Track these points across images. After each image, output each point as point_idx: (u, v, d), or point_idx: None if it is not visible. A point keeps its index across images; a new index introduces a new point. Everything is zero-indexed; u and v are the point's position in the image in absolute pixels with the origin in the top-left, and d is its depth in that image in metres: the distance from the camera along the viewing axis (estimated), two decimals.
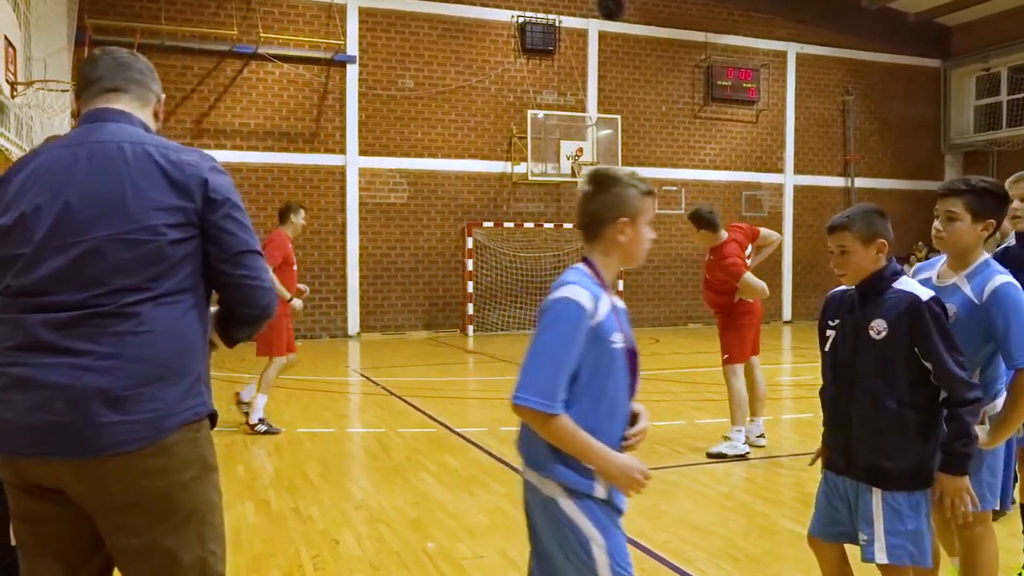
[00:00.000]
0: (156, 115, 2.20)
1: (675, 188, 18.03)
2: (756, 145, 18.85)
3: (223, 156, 14.66)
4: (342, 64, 15.44)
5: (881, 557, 2.53)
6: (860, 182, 19.33)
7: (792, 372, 11.68)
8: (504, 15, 16.58)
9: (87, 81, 2.12)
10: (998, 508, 3.03)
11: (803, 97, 19.23)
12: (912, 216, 17.90)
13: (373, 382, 9.98)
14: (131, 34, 13.67)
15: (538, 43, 16.69)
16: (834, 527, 2.72)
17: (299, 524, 4.54)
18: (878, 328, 2.56)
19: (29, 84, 9.60)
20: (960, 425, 2.51)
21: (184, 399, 1.94)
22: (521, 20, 16.61)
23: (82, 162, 1.95)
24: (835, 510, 2.71)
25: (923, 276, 2.97)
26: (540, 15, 16.76)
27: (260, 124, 15.07)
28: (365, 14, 15.65)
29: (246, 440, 6.65)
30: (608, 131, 16.82)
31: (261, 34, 14.60)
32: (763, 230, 7.00)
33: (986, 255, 2.84)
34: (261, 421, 6.90)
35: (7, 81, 8.59)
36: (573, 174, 16.34)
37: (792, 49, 18.99)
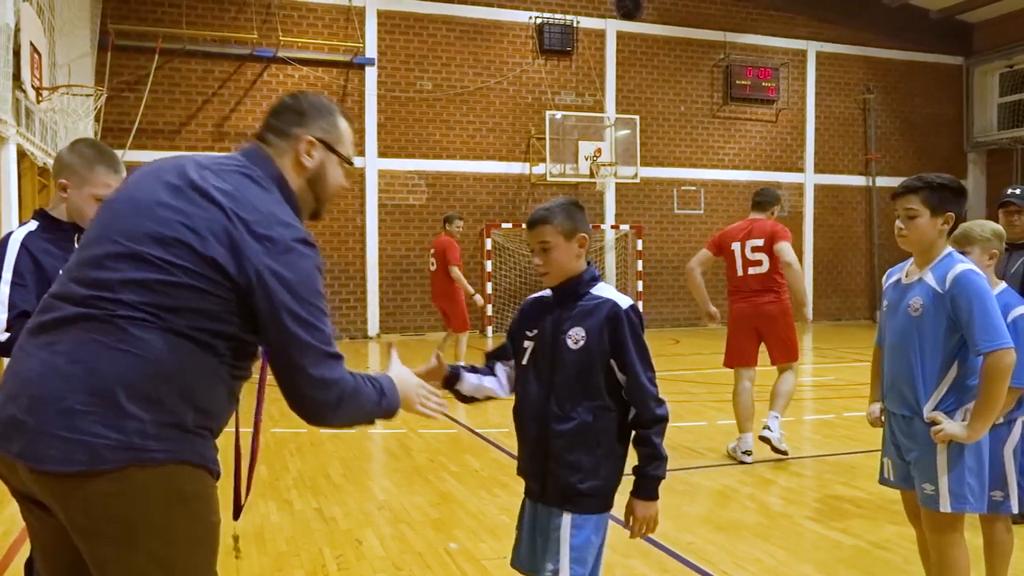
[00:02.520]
0: (299, 156, 2.00)
1: (694, 188, 17.96)
2: (776, 144, 18.74)
3: None
4: (361, 67, 15.51)
5: None
6: (881, 181, 19.17)
7: (813, 373, 11.59)
8: (522, 16, 16.59)
9: (261, 126, 2.06)
10: (986, 512, 3.00)
11: (823, 96, 19.10)
12: None
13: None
14: (153, 39, 13.81)
15: (556, 44, 16.69)
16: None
17: (322, 524, 4.56)
18: (576, 337, 2.41)
19: (54, 89, 9.72)
20: (651, 448, 2.40)
21: (144, 437, 1.69)
22: (539, 21, 16.62)
23: (189, 181, 1.84)
24: (530, 540, 2.51)
25: (893, 279, 3.01)
26: (558, 16, 16.75)
27: None
28: (383, 16, 15.72)
29: (268, 441, 6.70)
30: (626, 131, 16.78)
31: (280, 38, 14.69)
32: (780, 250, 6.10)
33: (949, 248, 2.88)
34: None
35: (33, 86, 8.69)
36: (591, 175, 16.33)
37: (812, 47, 18.86)
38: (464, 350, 9.49)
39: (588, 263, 2.51)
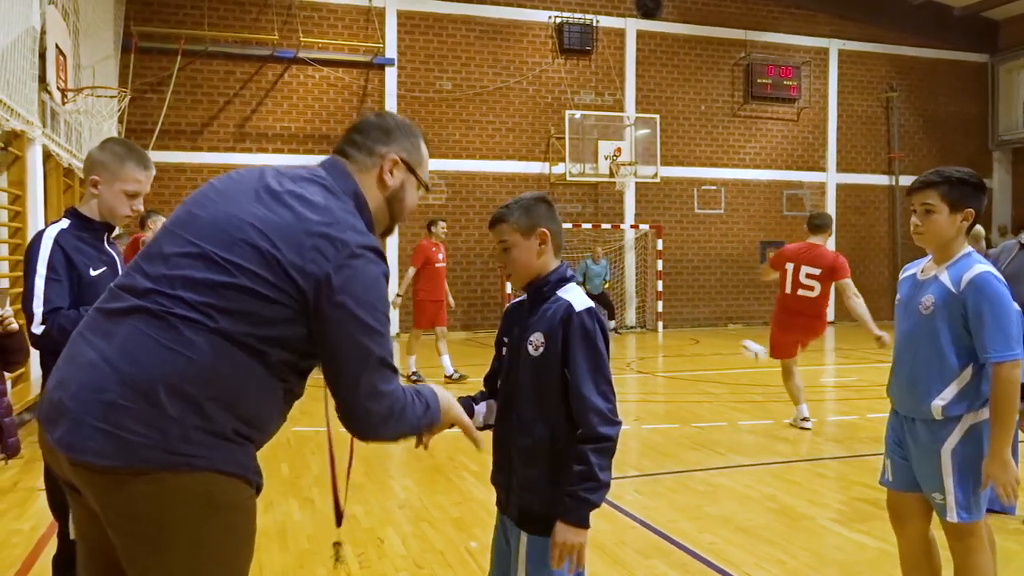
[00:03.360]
0: (382, 173, 1.99)
1: (714, 187, 17.88)
2: (797, 143, 18.61)
3: (264, 159, 14.87)
4: (381, 67, 15.57)
5: None
6: (905, 180, 18.98)
7: (836, 374, 11.51)
8: (541, 16, 16.59)
9: (341, 142, 2.06)
10: (996, 511, 2.95)
11: (846, 94, 18.94)
12: None
13: (413, 382, 10.04)
14: (175, 40, 13.94)
15: (575, 43, 16.67)
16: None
17: (344, 522, 4.58)
18: (536, 342, 2.24)
19: (79, 91, 9.83)
20: (585, 467, 2.12)
21: (184, 442, 1.66)
22: (558, 20, 16.60)
23: (269, 188, 1.85)
24: (500, 552, 2.38)
25: (909, 273, 2.91)
26: (577, 15, 16.73)
27: (300, 127, 15.25)
28: (403, 17, 15.77)
29: (290, 439, 6.74)
30: (646, 131, 16.73)
31: (301, 39, 14.78)
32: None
33: (969, 248, 2.76)
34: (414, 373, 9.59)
35: (58, 88, 8.80)
36: (611, 174, 16.30)
37: (834, 45, 18.71)
38: (414, 347, 10.07)
39: (561, 262, 2.34)
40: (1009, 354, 2.55)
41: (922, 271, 2.84)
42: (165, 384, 1.67)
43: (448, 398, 2.09)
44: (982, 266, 2.66)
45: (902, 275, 2.97)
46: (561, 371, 2.20)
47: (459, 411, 2.11)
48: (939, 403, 2.68)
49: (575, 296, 2.26)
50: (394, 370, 1.84)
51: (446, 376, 9.77)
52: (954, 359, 2.66)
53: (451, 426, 2.11)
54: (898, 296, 2.94)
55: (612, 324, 16.31)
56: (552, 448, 2.21)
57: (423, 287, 9.89)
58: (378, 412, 1.82)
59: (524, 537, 2.25)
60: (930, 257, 2.84)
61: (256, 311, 1.72)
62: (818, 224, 6.89)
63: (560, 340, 2.20)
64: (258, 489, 1.85)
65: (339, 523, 2.15)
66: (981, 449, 2.68)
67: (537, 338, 2.24)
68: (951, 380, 2.67)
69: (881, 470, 3.01)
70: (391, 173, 2.00)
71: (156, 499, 1.68)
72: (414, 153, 2.06)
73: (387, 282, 1.85)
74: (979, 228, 3.30)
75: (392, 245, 15.68)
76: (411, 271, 9.98)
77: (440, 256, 10.03)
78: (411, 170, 2.05)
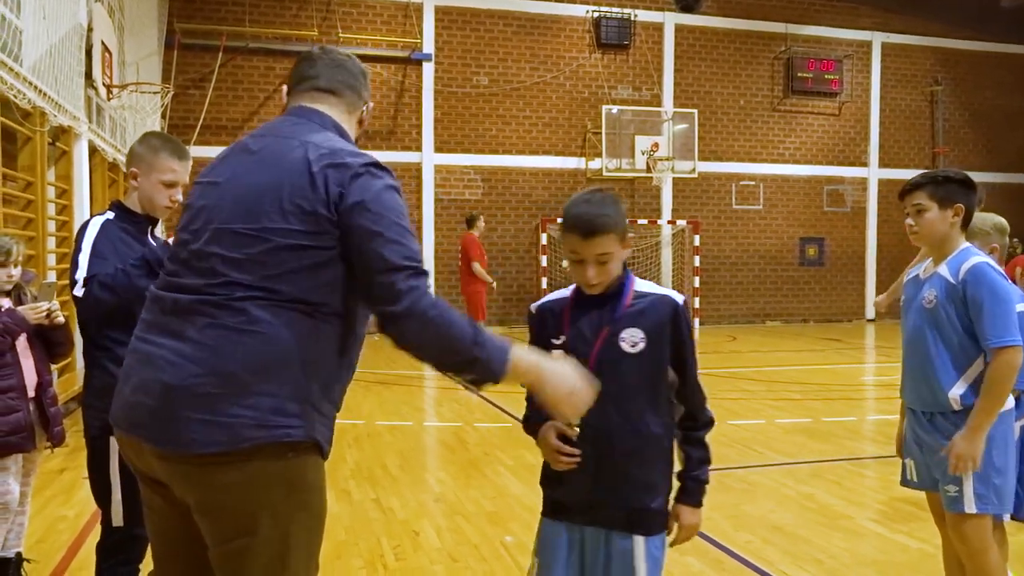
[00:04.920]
0: (361, 122, 2.16)
1: (753, 183, 17.68)
2: (839, 138, 18.33)
3: None
4: (418, 62, 15.63)
5: None
6: None
7: (876, 372, 11.33)
8: (579, 10, 16.52)
9: (301, 77, 2.08)
10: (1010, 516, 2.91)
11: (889, 88, 18.60)
12: (1006, 211, 16.79)
13: (449, 376, 10.08)
14: (217, 37, 14.14)
15: (613, 38, 16.57)
16: None
17: (380, 515, 4.62)
18: (633, 339, 2.16)
19: (123, 87, 10.02)
20: (704, 451, 2.26)
21: (277, 414, 1.75)
22: (596, 15, 16.52)
23: (254, 152, 1.93)
24: (570, 569, 2.21)
25: (911, 275, 2.97)
26: (615, 9, 16.63)
27: None
28: (441, 12, 15.81)
29: None
30: (684, 125, 16.59)
31: (340, 34, 14.89)
32: None
33: (966, 243, 2.82)
34: None
35: (103, 84, 8.97)
36: (648, 169, 16.19)
37: (877, 38, 18.38)
38: None
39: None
40: (1008, 339, 2.60)
41: (924, 271, 2.90)
42: (248, 364, 1.75)
43: (568, 377, 1.93)
44: (979, 257, 2.74)
45: (906, 278, 3.02)
46: (666, 366, 2.19)
47: (568, 397, 1.92)
48: (956, 393, 2.70)
49: (664, 289, 2.27)
50: (424, 273, 1.84)
51: None
52: (962, 349, 2.71)
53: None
54: (903, 298, 2.98)
55: None
56: (665, 445, 2.22)
57: (476, 279, 10.40)
58: (406, 314, 1.78)
59: (640, 540, 2.16)
60: (931, 260, 2.90)
61: (300, 266, 1.78)
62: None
63: (670, 335, 2.18)
64: (325, 457, 1.92)
65: None
66: (1004, 438, 2.72)
67: (634, 334, 2.16)
68: (964, 369, 2.71)
69: (901, 471, 3.00)
70: (368, 116, 2.20)
71: (248, 484, 1.76)
72: (368, 91, 2.20)
73: (398, 193, 1.89)
74: (1002, 221, 3.32)
75: (428, 241, 15.77)
76: (476, 266, 10.41)
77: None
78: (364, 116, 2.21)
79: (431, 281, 1.90)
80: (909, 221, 2.83)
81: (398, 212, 1.84)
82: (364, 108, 2.16)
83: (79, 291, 2.86)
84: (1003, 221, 3.29)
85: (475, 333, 1.85)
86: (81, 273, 2.87)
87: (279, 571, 1.83)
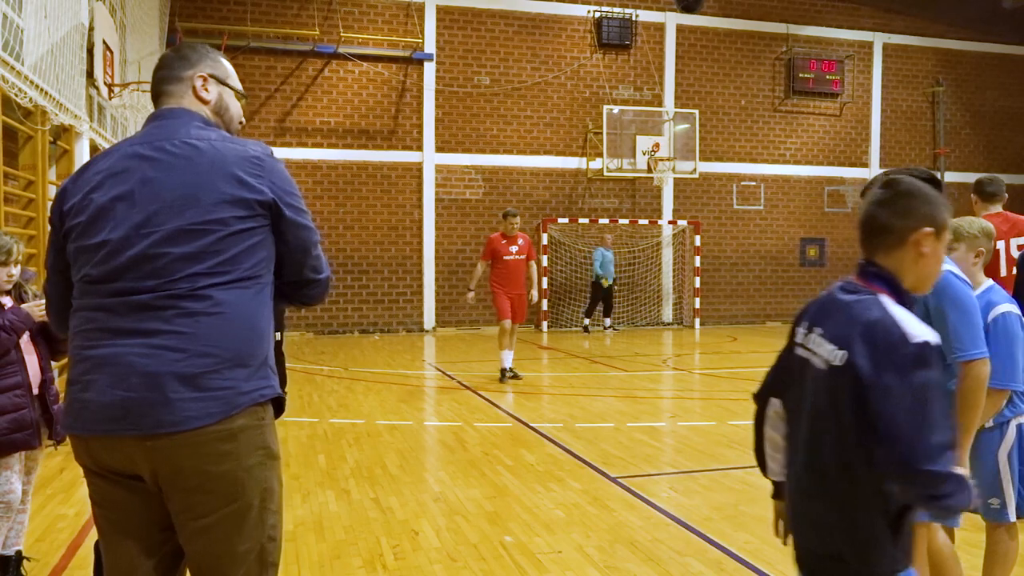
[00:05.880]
0: (196, 91, 2.18)
1: (754, 183, 17.68)
2: (840, 139, 18.33)
3: (304, 154, 15.03)
4: (420, 62, 15.64)
5: None
6: (951, 176, 18.60)
7: None
8: (580, 10, 16.52)
9: (153, 86, 2.24)
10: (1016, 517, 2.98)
11: (890, 88, 18.60)
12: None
13: (449, 376, 10.09)
14: (219, 36, 14.14)
15: (614, 38, 16.58)
16: None
17: (379, 514, 4.63)
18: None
19: (125, 86, 10.02)
20: None
21: (250, 379, 1.98)
22: (597, 15, 16.53)
23: (156, 158, 2.03)
24: None
25: None
26: (617, 9, 16.64)
27: (340, 122, 15.39)
28: (442, 12, 15.81)
29: (327, 431, 6.82)
30: (685, 125, 16.59)
31: (341, 34, 14.90)
32: None
33: None
34: (504, 371, 9.49)
35: (105, 83, 8.97)
36: (649, 169, 16.19)
37: (879, 39, 18.38)
38: (504, 342, 9.52)
39: None
40: (975, 352, 2.54)
41: None
42: (222, 342, 1.95)
43: None
44: (946, 265, 2.55)
45: None
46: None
47: None
48: None
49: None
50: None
51: (502, 368, 9.54)
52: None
53: None
54: None
55: (608, 322, 15.99)
56: None
57: (493, 280, 9.60)
58: (327, 280, 2.21)
59: None
60: None
61: (245, 245, 2.01)
62: (995, 192, 5.76)
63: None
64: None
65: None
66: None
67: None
68: None
69: None
70: (205, 89, 2.20)
71: (237, 453, 1.96)
72: (218, 68, 2.25)
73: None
74: (989, 225, 3.19)
75: (429, 241, 15.77)
76: (479, 266, 9.79)
77: (513, 249, 9.52)
78: (221, 82, 2.25)
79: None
80: None
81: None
82: (196, 79, 2.19)
83: None
84: (990, 225, 3.20)
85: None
86: None
87: (262, 528, 2.04)
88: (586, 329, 15.84)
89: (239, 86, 2.31)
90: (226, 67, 2.28)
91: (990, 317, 2.99)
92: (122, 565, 2.06)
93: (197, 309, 1.94)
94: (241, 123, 2.31)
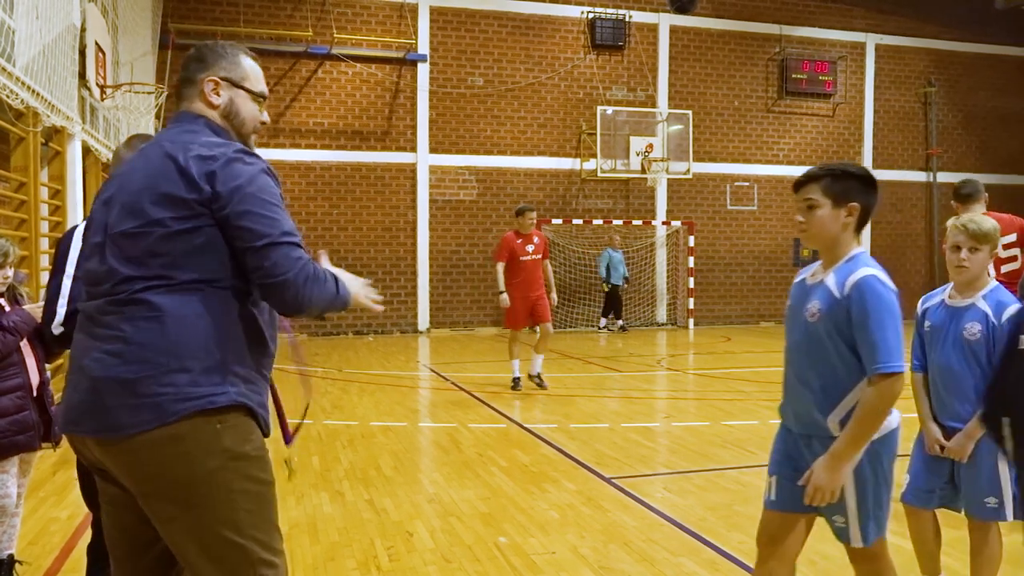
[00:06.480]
0: (205, 95, 2.14)
1: (747, 184, 17.71)
2: (833, 139, 18.38)
3: (298, 155, 15.01)
4: (413, 63, 15.63)
5: None
6: (943, 176, 18.67)
7: None
8: (574, 11, 16.53)
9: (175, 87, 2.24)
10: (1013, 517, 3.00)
11: (883, 89, 18.66)
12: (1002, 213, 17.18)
13: (443, 377, 10.08)
14: (211, 37, 14.09)
15: (608, 39, 16.59)
16: None
17: (373, 516, 4.62)
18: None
19: (117, 87, 9.99)
20: None
21: (196, 386, 1.90)
22: (591, 16, 16.54)
23: (134, 161, 2.10)
24: None
25: (800, 278, 2.70)
26: (610, 10, 16.65)
27: (333, 123, 15.37)
28: (436, 13, 15.81)
29: (320, 433, 6.80)
30: (679, 126, 16.61)
31: (335, 35, 14.88)
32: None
33: (860, 249, 2.54)
34: (530, 377, 9.05)
35: (97, 84, 8.95)
36: (643, 170, 16.21)
37: (871, 40, 18.44)
38: (515, 350, 9.02)
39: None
40: (891, 365, 2.33)
41: (812, 275, 2.63)
42: (159, 347, 1.91)
43: (353, 279, 2.21)
44: (869, 269, 2.44)
45: (795, 280, 2.75)
46: None
47: (362, 291, 2.22)
48: (835, 418, 2.46)
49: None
50: (298, 244, 2.02)
51: (530, 375, 9.08)
52: (846, 370, 2.44)
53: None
54: (788, 303, 2.70)
55: (620, 323, 16.18)
56: None
57: (509, 282, 8.81)
58: (296, 278, 1.97)
59: None
60: (820, 263, 2.63)
61: (188, 247, 1.95)
62: (971, 193, 5.81)
63: None
64: (265, 427, 2.07)
65: (288, 442, 2.34)
66: (882, 467, 2.51)
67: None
68: (846, 393, 2.45)
69: (766, 489, 2.76)
70: (216, 94, 2.16)
71: (182, 457, 1.90)
72: (234, 70, 2.20)
73: (271, 177, 2.05)
74: (996, 224, 3.20)
75: (423, 242, 15.76)
76: (499, 267, 8.89)
77: (529, 248, 8.86)
78: (236, 85, 2.19)
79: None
80: (799, 217, 2.57)
81: (273, 194, 2.02)
82: (207, 83, 2.15)
83: (57, 328, 2.78)
84: (996, 224, 3.22)
85: (332, 278, 2.09)
86: (63, 305, 2.78)
87: (234, 541, 1.94)
88: (602, 329, 16.01)
89: (258, 88, 2.24)
90: (244, 68, 2.22)
91: (1004, 316, 3.00)
92: (121, 558, 2.11)
93: (135, 314, 1.92)
94: (263, 123, 2.25)
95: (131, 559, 2.10)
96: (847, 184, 2.51)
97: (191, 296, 1.94)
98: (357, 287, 2.22)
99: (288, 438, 2.34)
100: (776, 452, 2.70)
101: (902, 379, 2.35)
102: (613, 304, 16.00)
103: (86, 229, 2.12)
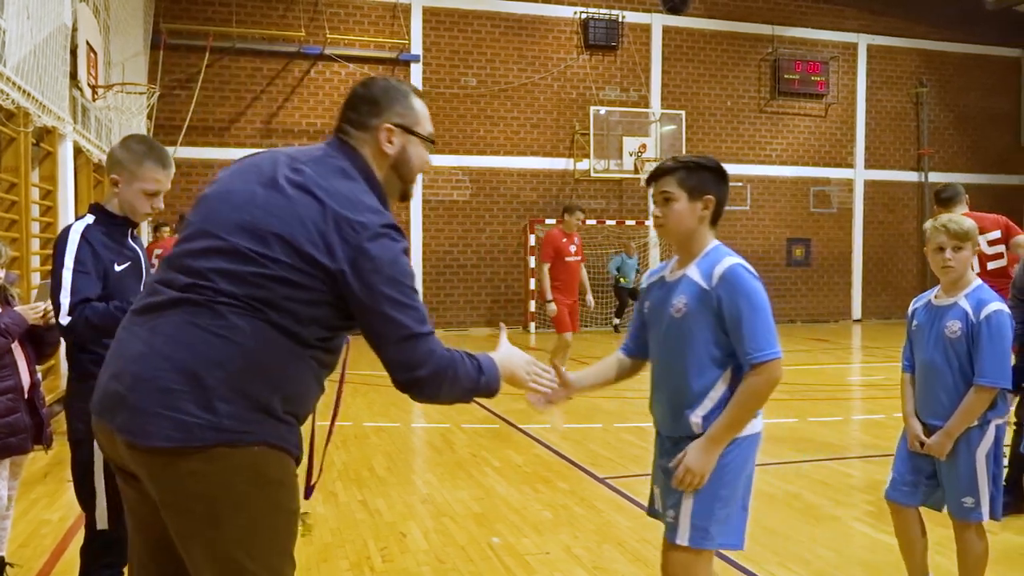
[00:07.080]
0: (379, 143, 2.02)
1: (740, 184, 17.74)
2: (825, 139, 18.42)
3: None
4: (406, 63, 15.62)
5: None
6: (934, 176, 18.72)
7: (862, 372, 11.39)
8: (567, 11, 16.54)
9: (339, 118, 2.10)
10: (990, 517, 3.04)
11: (875, 89, 18.71)
12: (989, 212, 17.24)
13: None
14: (203, 37, 14.08)
15: (601, 39, 16.60)
16: None
17: (367, 516, 4.61)
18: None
19: (109, 87, 9.96)
20: None
21: (231, 419, 1.78)
22: (584, 16, 16.55)
23: (276, 176, 1.92)
24: None
25: (655, 278, 2.65)
26: (603, 10, 16.66)
27: (327, 123, 15.33)
28: (429, 13, 15.80)
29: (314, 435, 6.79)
30: (672, 127, 16.64)
31: (328, 35, 14.85)
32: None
33: (716, 241, 2.53)
34: None
35: (88, 84, 8.91)
36: (636, 170, 16.22)
37: (863, 40, 18.49)
38: (563, 357, 8.46)
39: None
40: (771, 352, 2.32)
41: (669, 272, 2.58)
42: (216, 368, 1.79)
43: (517, 361, 2.18)
44: (732, 259, 2.43)
45: (646, 281, 2.72)
46: None
47: (526, 376, 2.20)
48: (699, 415, 2.41)
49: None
50: (430, 333, 1.92)
51: None
52: (715, 365, 2.39)
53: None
54: (646, 304, 2.64)
55: (616, 322, 16.27)
56: None
57: (554, 284, 8.36)
58: (428, 378, 1.91)
59: None
60: (677, 259, 2.59)
61: (292, 297, 1.83)
62: (950, 196, 5.86)
63: None
64: (297, 461, 1.97)
65: (308, 496, 2.23)
66: (739, 467, 2.46)
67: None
68: (711, 387, 2.40)
69: (649, 500, 2.77)
70: (389, 142, 2.04)
71: (210, 476, 1.79)
72: (408, 115, 2.08)
73: (408, 256, 1.95)
74: (975, 223, 3.23)
75: (416, 243, 15.75)
76: (545, 267, 8.44)
77: (572, 248, 8.48)
78: (409, 131, 2.07)
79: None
80: (655, 211, 2.56)
81: (410, 276, 1.92)
82: (380, 129, 2.03)
83: (64, 319, 2.81)
84: (973, 221, 3.25)
85: (476, 367, 2.01)
86: (66, 296, 2.81)
87: (246, 567, 1.84)
88: (616, 329, 16.10)
89: (428, 130, 2.11)
90: (417, 112, 2.08)
91: (982, 315, 3.01)
92: (143, 562, 2.03)
93: (205, 324, 1.80)
94: (427, 168, 2.14)
95: (151, 555, 2.01)
96: (701, 176, 2.50)
97: (271, 333, 1.82)
98: (519, 364, 2.19)
99: (308, 491, 2.22)
100: (657, 459, 2.67)
101: (781, 364, 2.34)
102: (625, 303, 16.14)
103: (200, 201, 1.96)
